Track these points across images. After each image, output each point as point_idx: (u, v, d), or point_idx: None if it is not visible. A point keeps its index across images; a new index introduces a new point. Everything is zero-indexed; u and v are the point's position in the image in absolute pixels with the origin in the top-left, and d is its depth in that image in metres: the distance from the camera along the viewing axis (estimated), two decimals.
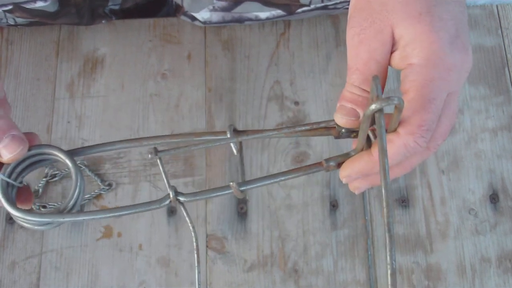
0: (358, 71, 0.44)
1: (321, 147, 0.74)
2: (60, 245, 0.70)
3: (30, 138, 0.47)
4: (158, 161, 0.46)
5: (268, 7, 0.74)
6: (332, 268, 0.69)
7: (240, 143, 0.48)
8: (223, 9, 0.75)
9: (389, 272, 0.35)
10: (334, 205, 0.72)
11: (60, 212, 0.46)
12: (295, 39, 0.79)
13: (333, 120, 0.45)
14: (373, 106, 0.38)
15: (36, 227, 0.46)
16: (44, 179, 0.72)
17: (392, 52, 0.44)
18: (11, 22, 0.75)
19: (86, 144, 0.74)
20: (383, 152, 0.38)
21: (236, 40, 0.79)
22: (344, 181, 0.46)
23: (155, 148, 0.46)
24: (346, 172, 0.45)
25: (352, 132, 0.45)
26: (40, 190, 0.72)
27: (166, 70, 0.78)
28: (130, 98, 0.76)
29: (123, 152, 0.74)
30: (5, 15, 0.73)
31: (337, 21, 0.80)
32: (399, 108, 0.39)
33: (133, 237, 0.71)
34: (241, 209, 0.72)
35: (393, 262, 0.35)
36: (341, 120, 0.44)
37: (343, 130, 0.45)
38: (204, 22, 0.77)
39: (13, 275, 0.69)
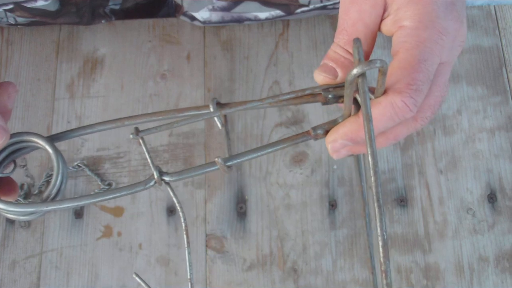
0: (345, 31, 0.43)
1: (319, 147, 0.74)
2: (60, 245, 0.71)
3: (6, 87, 0.45)
4: (141, 140, 0.44)
5: (267, 7, 0.75)
6: (331, 267, 0.70)
7: (225, 116, 0.45)
8: (223, 9, 0.75)
9: (380, 244, 0.34)
10: (333, 205, 0.72)
11: (43, 200, 0.45)
12: (294, 39, 0.79)
13: (319, 86, 0.43)
14: (354, 71, 0.36)
15: (20, 217, 0.45)
16: (44, 180, 0.72)
17: (384, 18, 0.43)
18: (12, 21, 0.75)
19: (86, 145, 0.74)
20: (368, 118, 0.36)
21: (235, 40, 0.80)
22: (329, 147, 0.44)
23: (136, 128, 0.44)
24: (332, 137, 0.43)
25: (339, 98, 0.43)
26: (42, 189, 0.72)
27: (165, 71, 0.78)
28: (130, 98, 0.77)
29: (123, 152, 0.74)
30: (6, 14, 0.73)
31: (336, 21, 0.80)
32: (383, 72, 0.37)
33: (133, 237, 0.71)
34: (240, 209, 0.72)
35: (384, 233, 0.34)
36: (319, 77, 0.43)
37: (330, 96, 0.43)
38: (204, 22, 0.78)
39: (14, 274, 0.70)
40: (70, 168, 0.73)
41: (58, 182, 0.45)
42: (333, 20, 0.80)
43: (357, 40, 0.37)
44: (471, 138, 0.75)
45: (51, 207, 0.44)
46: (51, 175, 0.72)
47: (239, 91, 0.77)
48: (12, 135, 0.45)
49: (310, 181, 0.73)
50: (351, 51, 0.42)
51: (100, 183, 0.72)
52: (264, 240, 0.71)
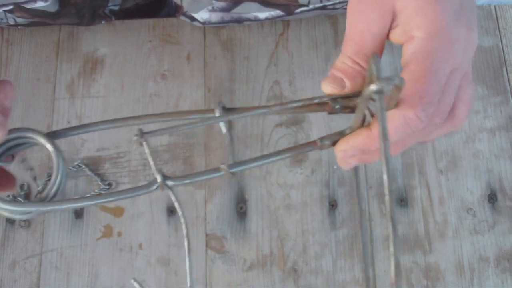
0: (353, 41, 0.43)
1: None
2: (60, 245, 0.71)
3: (4, 85, 0.45)
4: (144, 143, 0.43)
5: (267, 8, 0.75)
6: (331, 268, 0.70)
7: (230, 122, 0.45)
8: (222, 10, 0.75)
9: (392, 263, 0.34)
10: (333, 205, 0.72)
11: (42, 200, 0.44)
12: (294, 39, 0.79)
13: (327, 96, 0.43)
14: (372, 87, 0.36)
15: (17, 216, 0.44)
16: (46, 179, 0.72)
17: (393, 28, 0.43)
18: (12, 22, 0.75)
19: (86, 145, 0.74)
20: (384, 136, 0.35)
21: (235, 40, 0.80)
22: (339, 156, 0.43)
23: (140, 129, 0.43)
24: (342, 146, 0.43)
25: (346, 108, 0.43)
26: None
27: (165, 71, 0.78)
28: (130, 98, 0.77)
29: (123, 152, 0.74)
30: (6, 15, 0.73)
31: (336, 21, 0.80)
32: (398, 88, 0.37)
33: (133, 237, 0.71)
34: (241, 209, 0.72)
35: (397, 255, 0.34)
36: (327, 87, 0.43)
37: (337, 106, 0.43)
38: (204, 23, 0.78)
39: (14, 275, 0.70)
40: (70, 168, 0.73)
41: (57, 181, 0.44)
42: (333, 20, 0.80)
43: (375, 56, 0.37)
44: (472, 138, 0.75)
45: (50, 208, 0.44)
46: (49, 175, 0.72)
47: (239, 91, 0.77)
48: (12, 131, 0.44)
49: (310, 181, 0.73)
50: (359, 61, 0.42)
51: (100, 183, 0.72)
52: (264, 240, 0.71)
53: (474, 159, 0.74)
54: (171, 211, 0.72)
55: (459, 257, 0.70)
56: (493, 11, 0.80)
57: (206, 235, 0.71)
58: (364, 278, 0.59)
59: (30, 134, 0.45)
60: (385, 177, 0.34)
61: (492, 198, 0.72)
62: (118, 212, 0.72)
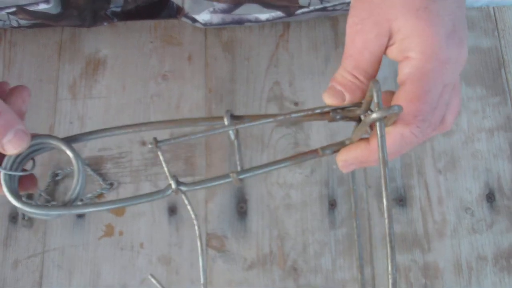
0: (352, 57, 0.46)
1: (319, 146, 0.75)
2: (62, 244, 0.71)
3: (21, 91, 0.47)
4: (159, 151, 0.46)
5: (268, 9, 0.75)
6: (331, 266, 0.70)
7: (237, 130, 0.48)
8: (223, 11, 0.76)
9: (390, 282, 0.36)
10: (332, 204, 0.72)
11: (65, 203, 0.46)
12: (294, 40, 0.80)
13: (328, 106, 0.47)
14: (374, 115, 0.40)
15: (42, 217, 0.47)
16: (48, 180, 0.73)
17: (390, 45, 0.45)
18: (14, 24, 0.76)
19: (88, 144, 0.75)
20: (384, 162, 0.40)
21: (236, 41, 0.80)
22: (340, 164, 0.48)
23: (155, 138, 0.46)
24: (343, 157, 0.47)
25: (345, 118, 0.47)
26: (48, 189, 0.73)
27: (167, 71, 0.79)
28: (132, 99, 0.77)
29: (125, 152, 0.75)
30: (9, 17, 0.74)
31: (336, 23, 0.81)
32: (397, 114, 0.41)
33: (135, 236, 0.72)
34: (241, 208, 0.73)
35: (394, 272, 0.37)
36: (328, 99, 0.47)
37: (337, 117, 0.47)
38: (205, 24, 0.78)
39: (16, 274, 0.70)
40: (71, 168, 0.73)
41: (79, 184, 0.46)
42: (334, 22, 0.81)
43: (375, 83, 0.40)
44: (470, 138, 0.75)
45: (74, 211, 0.46)
46: (57, 174, 0.73)
47: (240, 91, 0.78)
48: (34, 138, 0.46)
49: (310, 180, 0.74)
50: (358, 76, 0.45)
51: (102, 183, 0.73)
52: (265, 239, 0.72)
53: (472, 159, 0.74)
54: (172, 210, 0.72)
55: (457, 256, 0.71)
56: (492, 13, 0.81)
57: (207, 234, 0.72)
58: (362, 278, 0.60)
59: (51, 141, 0.47)
60: (385, 201, 0.38)
61: (490, 197, 0.73)
62: (119, 211, 0.72)
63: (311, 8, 0.74)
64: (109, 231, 0.72)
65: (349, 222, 0.72)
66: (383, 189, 0.39)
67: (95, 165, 0.74)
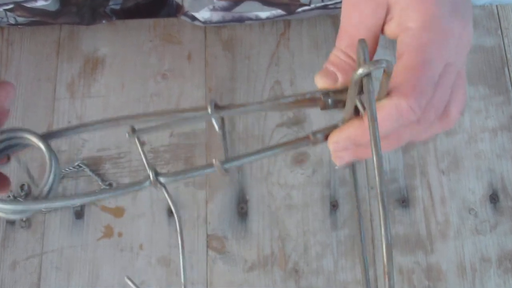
0: (347, 34, 0.43)
1: (320, 147, 0.74)
2: (60, 245, 0.71)
3: (4, 87, 0.45)
4: (136, 140, 0.43)
5: (268, 7, 0.75)
6: (333, 268, 0.70)
7: (222, 118, 0.44)
8: (223, 9, 0.75)
9: (384, 244, 0.33)
10: (334, 205, 0.72)
11: (35, 198, 0.43)
12: (295, 39, 0.79)
13: (319, 91, 0.42)
14: (360, 71, 0.35)
15: (10, 216, 0.44)
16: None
17: (388, 21, 0.42)
18: (12, 21, 0.75)
19: (87, 145, 0.74)
20: (373, 119, 0.35)
21: (236, 40, 0.79)
22: (331, 148, 0.42)
23: (131, 127, 0.43)
24: (334, 138, 0.42)
25: (339, 103, 0.42)
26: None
27: (166, 70, 0.78)
28: (131, 98, 0.77)
29: (124, 152, 0.74)
30: (6, 14, 0.73)
31: (337, 21, 0.80)
32: (388, 73, 0.37)
33: (134, 237, 0.71)
34: (242, 209, 0.72)
35: (388, 234, 0.33)
36: (320, 81, 0.43)
37: (329, 101, 0.42)
38: (205, 22, 0.77)
39: (14, 275, 0.69)
40: (70, 168, 0.72)
41: (50, 180, 0.43)
42: (335, 20, 0.80)
43: (362, 41, 0.37)
44: (473, 138, 0.75)
45: (42, 205, 0.43)
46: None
47: (240, 90, 0.77)
48: (5, 132, 0.44)
49: (311, 181, 0.73)
50: (352, 55, 0.42)
51: (100, 183, 0.72)
52: (265, 240, 0.71)
53: (476, 159, 0.74)
54: (171, 211, 0.72)
55: (460, 258, 0.70)
56: (495, 11, 0.80)
57: (207, 235, 0.71)
58: (368, 280, 0.59)
59: (21, 134, 0.44)
60: (375, 160, 0.34)
61: (494, 198, 0.72)
62: (118, 212, 0.72)
63: (312, 6, 0.74)
64: (108, 232, 0.71)
65: (351, 223, 0.71)
66: (373, 153, 0.34)
67: (93, 165, 0.73)
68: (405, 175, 0.73)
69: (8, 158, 0.45)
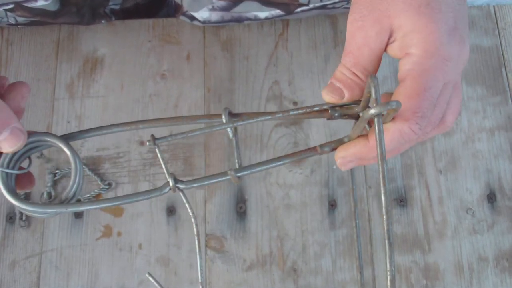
0: (352, 54, 0.45)
1: None
2: (60, 245, 0.71)
3: (20, 87, 0.46)
4: (156, 149, 0.46)
5: (267, 7, 0.75)
6: (331, 267, 0.70)
7: (235, 127, 0.48)
8: (222, 9, 0.75)
9: (388, 278, 0.36)
10: (332, 205, 0.72)
11: (63, 201, 0.46)
12: (294, 39, 0.80)
13: (326, 103, 0.46)
14: (372, 111, 0.39)
15: (43, 216, 0.46)
16: (51, 180, 0.72)
17: (391, 43, 0.45)
18: (12, 21, 0.75)
19: (86, 145, 0.74)
20: (382, 158, 0.39)
21: (235, 40, 0.80)
22: (338, 161, 0.47)
23: (152, 135, 0.46)
24: (341, 154, 0.47)
25: (344, 115, 0.46)
26: (49, 190, 0.72)
27: (165, 71, 0.78)
28: (130, 98, 0.77)
29: (123, 152, 0.74)
30: (6, 14, 0.73)
31: (336, 21, 0.80)
32: (395, 110, 0.40)
33: (133, 237, 0.71)
34: (240, 209, 0.72)
35: (393, 269, 0.36)
36: (327, 96, 0.46)
37: (336, 114, 0.46)
38: (203, 22, 0.78)
39: (13, 274, 0.70)
40: (69, 168, 0.73)
41: (76, 182, 0.46)
42: (333, 20, 0.80)
43: (374, 79, 0.40)
44: (471, 138, 0.75)
45: (70, 209, 0.45)
46: (55, 174, 0.72)
47: (239, 91, 0.77)
48: (31, 136, 0.46)
49: (309, 181, 0.73)
50: (357, 73, 0.45)
51: (100, 183, 0.72)
52: (264, 240, 0.71)
53: (473, 159, 0.74)
54: (170, 211, 0.72)
55: (458, 257, 0.70)
56: (492, 11, 0.80)
57: (206, 235, 0.71)
58: (361, 278, 0.59)
59: (48, 138, 0.46)
60: (383, 197, 0.37)
61: (491, 198, 0.72)
62: (117, 212, 0.72)
63: (311, 6, 0.74)
64: (107, 231, 0.71)
65: (349, 222, 0.71)
66: (381, 184, 0.39)
67: (93, 165, 0.74)
68: (403, 174, 0.73)
69: (29, 160, 0.48)
